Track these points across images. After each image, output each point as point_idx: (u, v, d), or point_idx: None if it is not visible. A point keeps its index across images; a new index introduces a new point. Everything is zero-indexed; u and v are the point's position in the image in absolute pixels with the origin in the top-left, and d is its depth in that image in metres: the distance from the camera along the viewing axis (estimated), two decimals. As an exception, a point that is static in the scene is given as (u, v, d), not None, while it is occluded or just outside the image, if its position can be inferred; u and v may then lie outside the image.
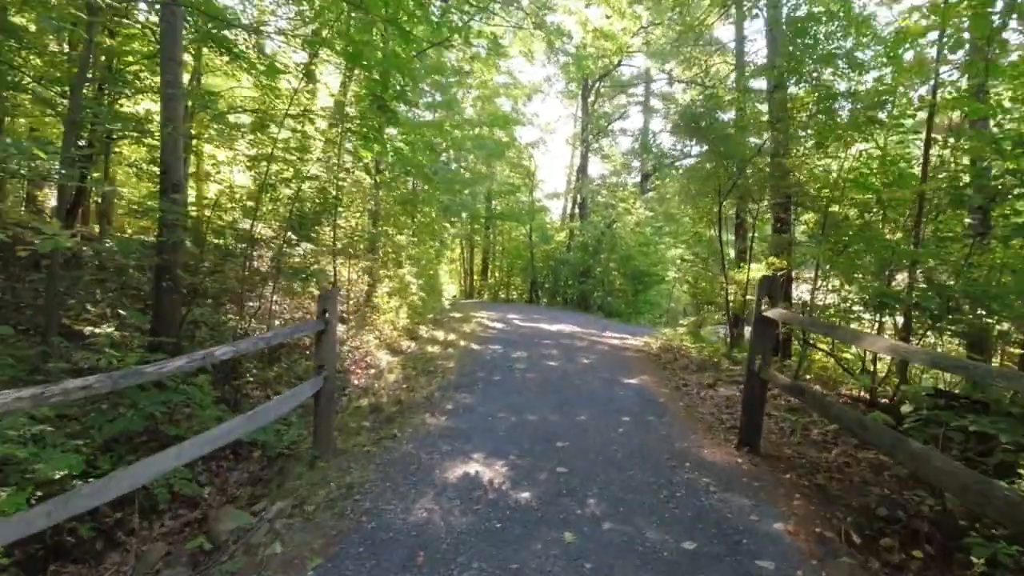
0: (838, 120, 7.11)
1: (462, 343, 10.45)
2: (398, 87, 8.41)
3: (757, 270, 9.69)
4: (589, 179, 24.83)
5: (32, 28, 7.51)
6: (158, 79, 7.15)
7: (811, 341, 7.37)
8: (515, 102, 25.22)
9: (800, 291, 10.08)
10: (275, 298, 9.06)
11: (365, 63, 7.36)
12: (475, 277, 31.58)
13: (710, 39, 19.72)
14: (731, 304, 9.55)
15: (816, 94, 7.57)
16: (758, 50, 20.07)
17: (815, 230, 8.33)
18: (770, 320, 4.90)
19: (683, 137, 10.52)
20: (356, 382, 8.09)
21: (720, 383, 7.45)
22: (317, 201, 8.32)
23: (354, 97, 9.54)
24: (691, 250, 12.40)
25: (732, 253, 12.63)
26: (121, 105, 8.43)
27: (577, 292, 20.65)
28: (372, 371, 8.60)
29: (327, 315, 4.98)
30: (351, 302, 10.75)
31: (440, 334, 11.54)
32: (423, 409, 6.43)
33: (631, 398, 6.85)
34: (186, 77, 8.43)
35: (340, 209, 10.03)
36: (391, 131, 10.22)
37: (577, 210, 25.27)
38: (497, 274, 30.71)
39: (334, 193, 8.89)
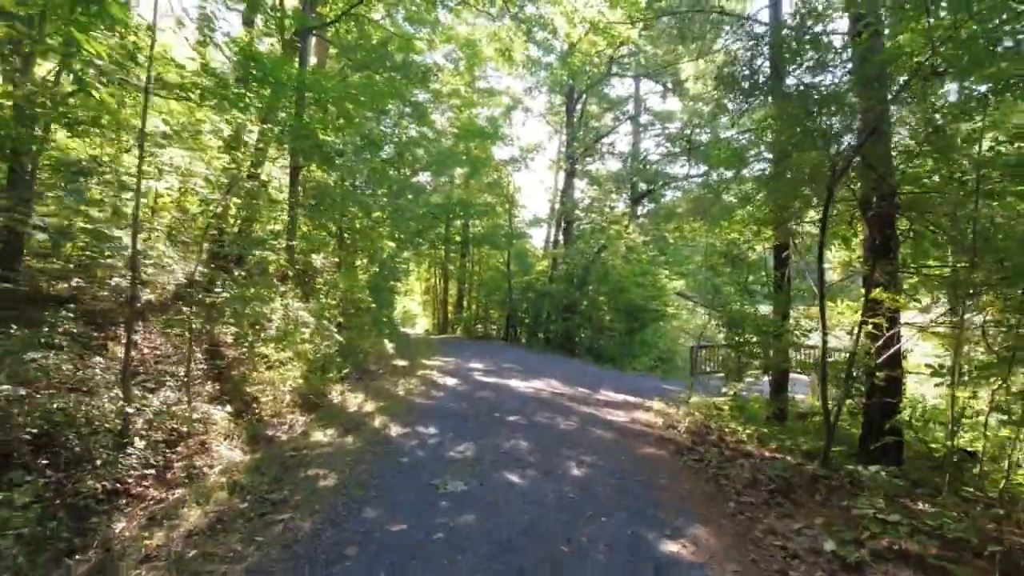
0: None
1: (378, 421, 6.23)
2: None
3: (852, 310, 5.71)
4: (574, 202, 21.03)
5: None
6: None
7: None
8: (493, 124, 21.48)
9: (921, 347, 6.09)
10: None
11: None
12: (450, 309, 27.46)
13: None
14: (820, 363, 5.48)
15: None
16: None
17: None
18: None
19: (732, 97, 6.50)
20: (118, 528, 3.85)
21: (870, 552, 3.31)
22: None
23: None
24: (728, 275, 8.41)
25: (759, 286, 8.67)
26: None
27: (561, 329, 16.56)
28: (174, 496, 4.36)
29: None
30: (202, 358, 6.51)
31: (357, 400, 7.33)
32: None
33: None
34: None
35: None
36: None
37: (561, 236, 21.37)
38: (474, 306, 26.57)
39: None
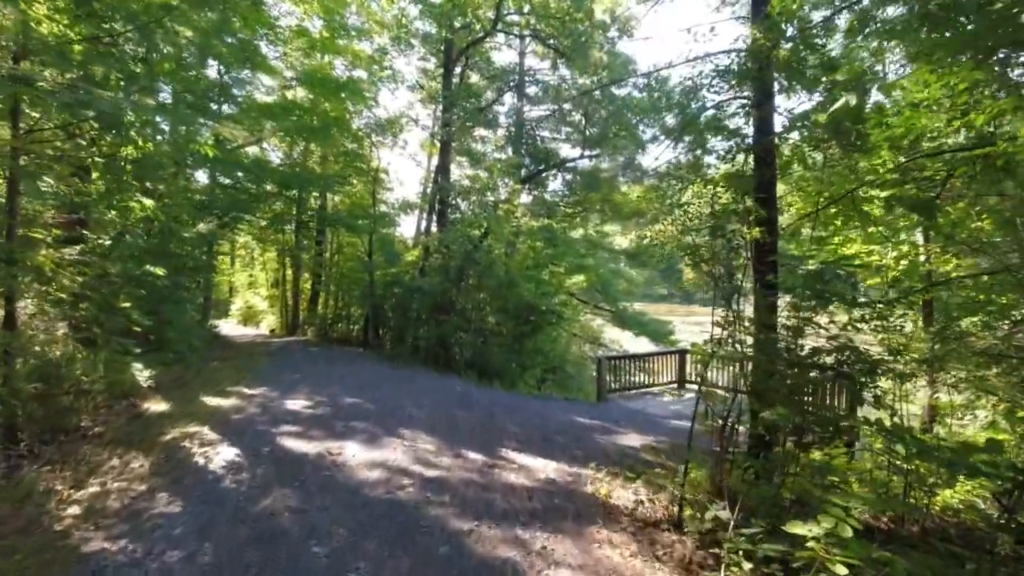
0: None
1: None
2: None
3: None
4: (451, 183, 16.88)
5: None
6: None
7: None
8: (353, 85, 16.56)
9: None
10: None
11: None
12: (302, 307, 21.97)
13: None
14: None
15: None
16: None
17: None
18: None
19: None
20: None
21: None
22: None
23: None
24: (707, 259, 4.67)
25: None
26: None
27: (434, 335, 12.38)
28: None
29: None
30: None
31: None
32: None
33: None
34: None
35: None
36: None
37: (435, 224, 17.14)
38: (332, 302, 21.39)
39: None
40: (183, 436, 4.89)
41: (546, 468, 4.88)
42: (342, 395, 7.06)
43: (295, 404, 6.42)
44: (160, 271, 6.15)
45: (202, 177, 14.46)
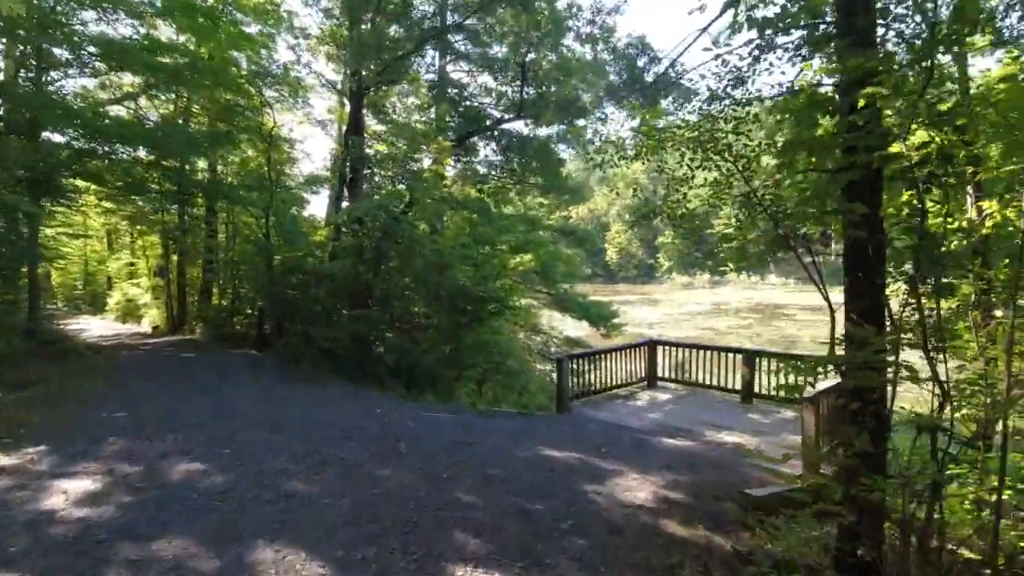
0: None
1: None
2: None
3: None
4: (362, 149, 13.67)
5: None
6: None
7: None
8: (233, 33, 12.82)
9: None
10: None
11: None
12: (191, 299, 18.00)
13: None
14: None
15: None
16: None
17: None
18: None
19: None
20: None
21: None
22: None
23: None
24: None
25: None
26: None
27: (345, 333, 9.42)
28: None
29: None
30: None
31: None
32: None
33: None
34: None
35: None
36: None
37: (345, 192, 13.95)
38: (230, 291, 17.53)
39: None
40: None
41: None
42: (176, 456, 4.13)
43: (67, 492, 3.44)
44: None
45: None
